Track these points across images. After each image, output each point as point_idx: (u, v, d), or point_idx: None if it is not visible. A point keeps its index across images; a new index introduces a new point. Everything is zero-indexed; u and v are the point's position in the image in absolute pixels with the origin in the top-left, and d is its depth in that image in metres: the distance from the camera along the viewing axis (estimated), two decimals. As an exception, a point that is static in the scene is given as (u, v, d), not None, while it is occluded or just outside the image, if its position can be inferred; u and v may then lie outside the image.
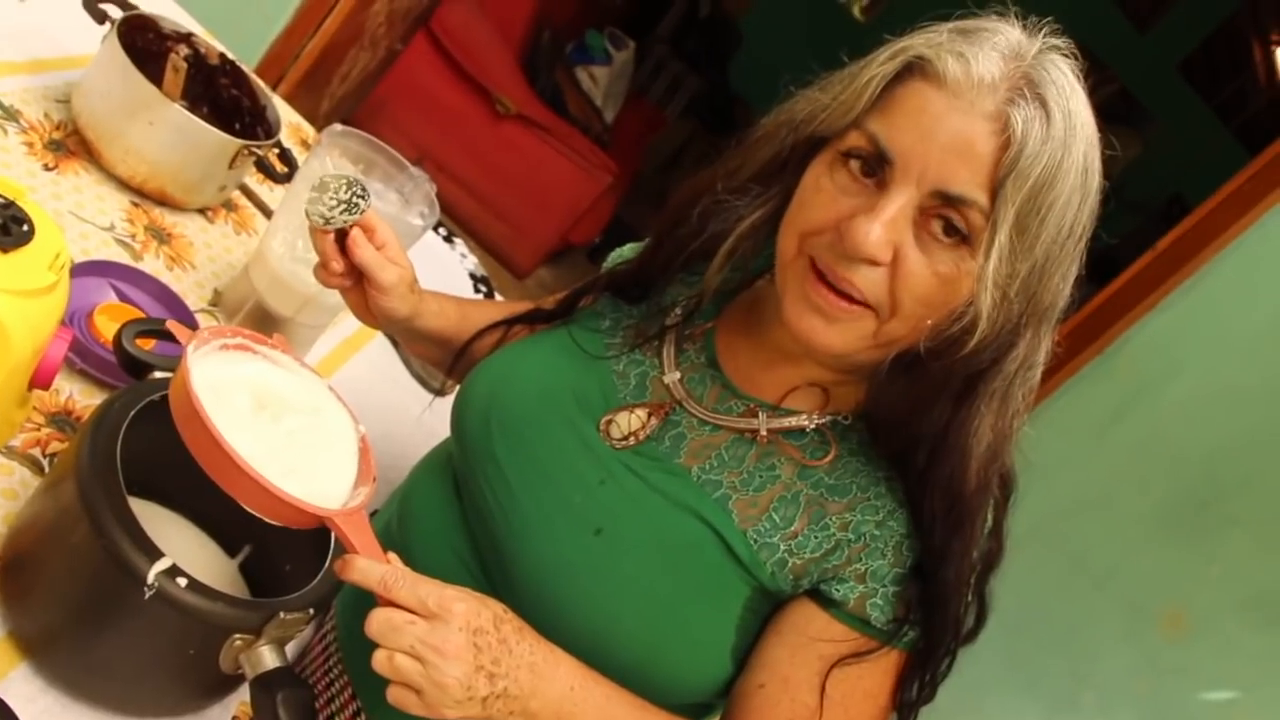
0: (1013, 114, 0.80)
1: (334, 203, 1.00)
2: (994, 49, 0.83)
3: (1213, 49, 5.35)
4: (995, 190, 0.81)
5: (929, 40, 0.85)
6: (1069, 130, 0.82)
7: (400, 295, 1.06)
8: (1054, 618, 2.35)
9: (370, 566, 0.79)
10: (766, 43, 6.14)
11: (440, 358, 1.19)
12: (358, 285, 1.06)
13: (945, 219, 0.83)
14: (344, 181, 1.01)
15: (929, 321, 0.86)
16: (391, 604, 0.78)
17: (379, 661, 0.77)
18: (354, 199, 1.00)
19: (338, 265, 1.03)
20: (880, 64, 0.86)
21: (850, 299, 0.86)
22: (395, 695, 0.78)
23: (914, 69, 0.84)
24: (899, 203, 0.83)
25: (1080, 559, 2.34)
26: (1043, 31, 0.86)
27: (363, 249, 1.02)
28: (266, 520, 0.80)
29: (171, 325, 0.90)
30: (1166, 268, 2.23)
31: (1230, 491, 2.20)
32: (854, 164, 0.86)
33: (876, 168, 0.85)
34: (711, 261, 0.99)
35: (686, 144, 6.11)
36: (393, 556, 0.82)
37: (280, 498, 0.77)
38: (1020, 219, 0.81)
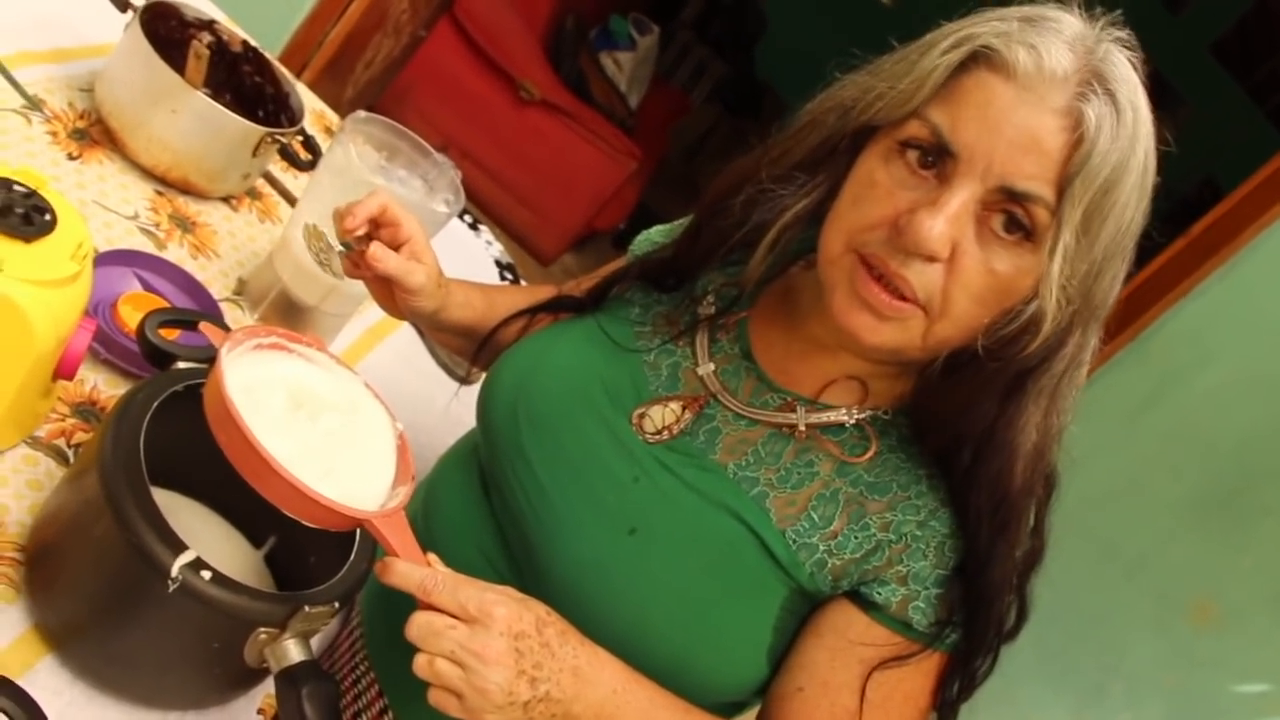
0: (1086, 110, 0.78)
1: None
2: (1061, 40, 0.81)
3: (1246, 30, 5.27)
4: (1063, 188, 0.78)
5: (996, 29, 0.82)
6: (1136, 127, 0.80)
7: (427, 294, 1.04)
8: (1083, 607, 2.33)
9: (410, 570, 0.78)
10: (791, 27, 6.10)
11: (466, 347, 1.17)
12: (382, 277, 1.05)
13: (1008, 214, 0.81)
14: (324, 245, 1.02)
15: (984, 321, 0.84)
16: (432, 607, 0.77)
17: (419, 665, 0.76)
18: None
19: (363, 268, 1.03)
20: (943, 52, 0.82)
21: (903, 297, 0.83)
22: (436, 699, 0.78)
23: (979, 58, 0.81)
24: (962, 197, 0.80)
25: (1110, 548, 2.31)
26: (1100, 23, 0.84)
27: (384, 260, 1.00)
28: (304, 523, 0.79)
29: (204, 327, 0.90)
30: (1200, 253, 2.20)
31: (1263, 480, 2.18)
32: (911, 154, 0.83)
33: (937, 159, 0.82)
34: (751, 251, 0.96)
35: (711, 129, 6.08)
36: (433, 558, 0.81)
37: (318, 502, 0.76)
38: (1086, 218, 0.79)
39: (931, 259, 0.81)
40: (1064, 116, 0.78)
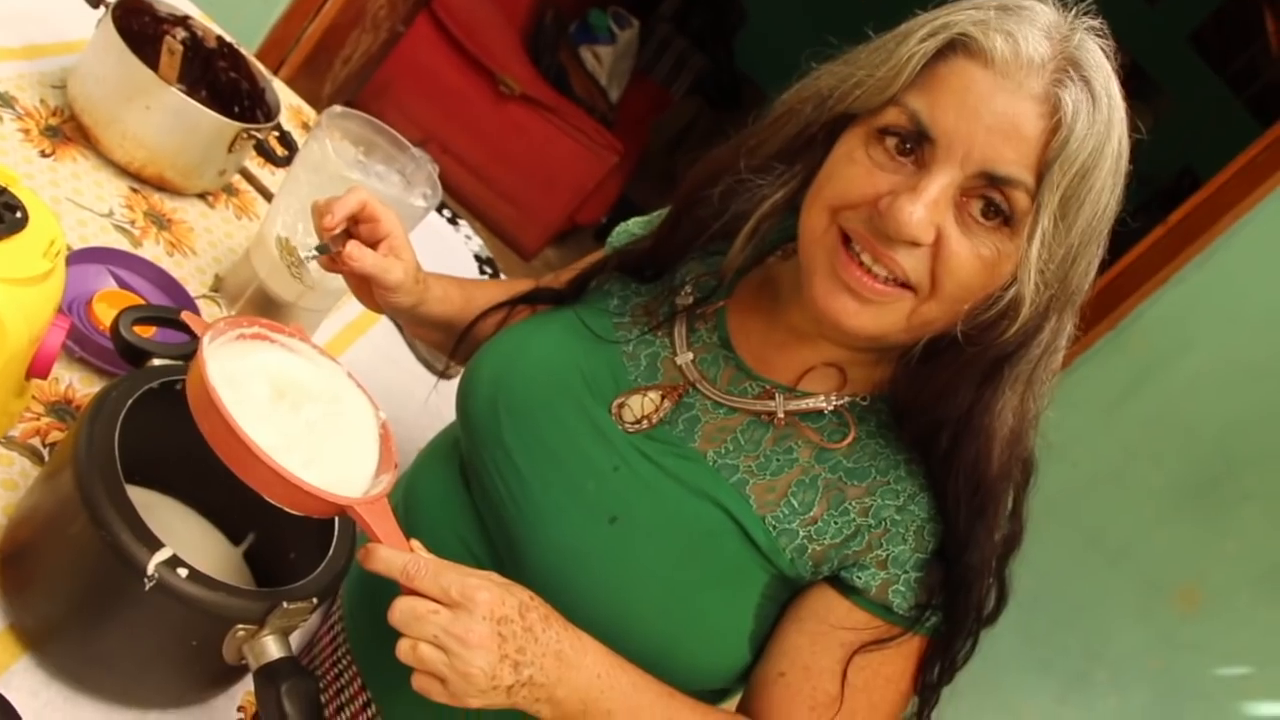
0: (1063, 96, 0.78)
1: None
2: (1037, 28, 0.81)
3: (1224, 19, 5.29)
4: (1041, 173, 0.79)
5: (972, 18, 0.82)
6: (1111, 113, 0.81)
7: (405, 290, 1.05)
8: (1067, 594, 2.34)
9: (392, 556, 0.78)
10: (770, 19, 6.10)
11: (444, 341, 1.17)
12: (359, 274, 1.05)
13: (986, 199, 0.81)
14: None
15: (965, 306, 0.84)
16: (414, 592, 0.77)
17: (403, 651, 0.76)
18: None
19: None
20: (920, 40, 0.83)
21: (887, 280, 0.84)
22: (420, 684, 0.78)
23: (957, 46, 0.82)
24: (941, 183, 0.81)
25: (1093, 535, 2.32)
26: (1073, 12, 0.84)
27: (360, 259, 1.00)
28: (287, 510, 0.78)
29: (187, 316, 0.89)
30: (1179, 242, 2.21)
31: (1244, 466, 2.19)
32: (890, 141, 0.84)
33: (915, 146, 0.83)
34: (729, 241, 0.96)
35: (692, 122, 6.07)
36: (416, 544, 0.81)
37: (301, 488, 0.76)
38: (1063, 203, 0.80)
39: (914, 244, 0.81)
40: (1041, 103, 0.79)
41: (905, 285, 0.84)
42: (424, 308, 1.09)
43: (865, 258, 0.84)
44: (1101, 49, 0.83)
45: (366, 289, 1.06)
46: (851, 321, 0.85)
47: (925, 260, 0.83)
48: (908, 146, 0.83)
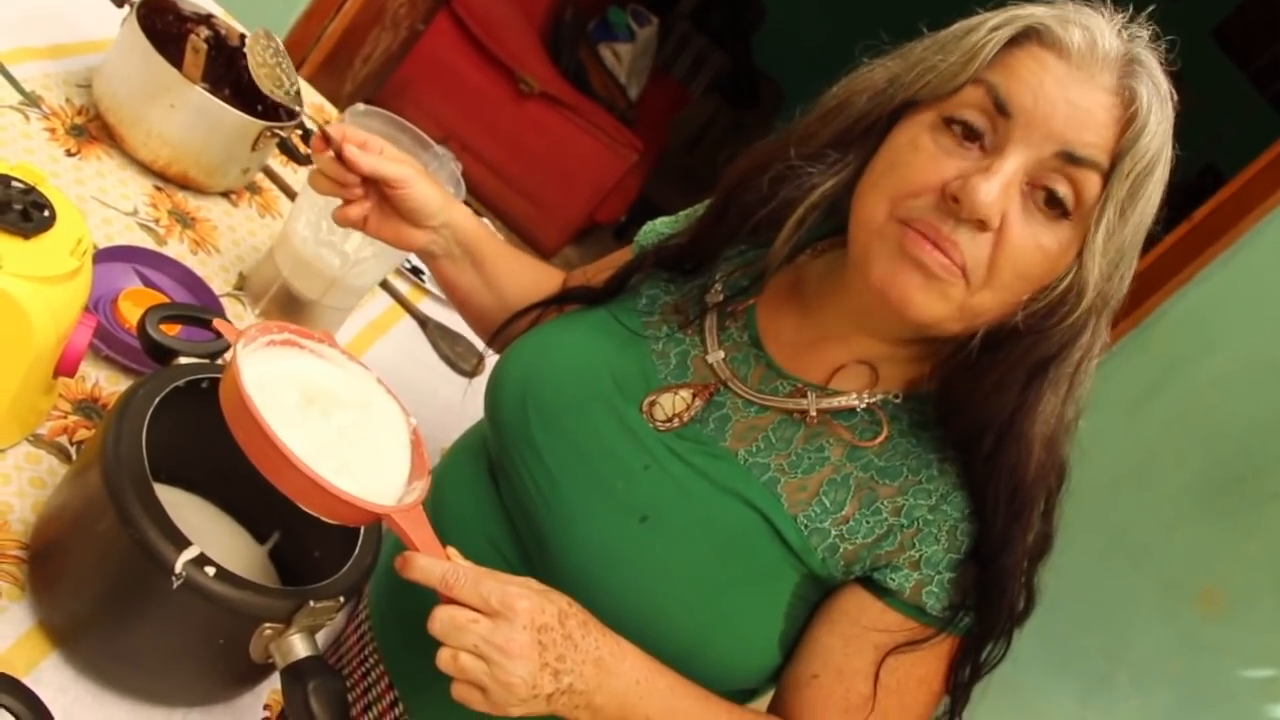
0: (1139, 89, 0.80)
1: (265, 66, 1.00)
2: (1110, 26, 0.83)
3: (1248, 15, 5.25)
4: (1113, 163, 0.80)
5: (1048, 10, 0.84)
6: (1169, 122, 0.83)
7: (422, 183, 1.06)
8: (1089, 595, 2.32)
9: (431, 564, 0.78)
10: (789, 16, 6.08)
11: (478, 285, 1.18)
12: (376, 203, 1.06)
13: (1049, 190, 0.82)
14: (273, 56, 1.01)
15: (1023, 297, 0.84)
16: (453, 601, 0.77)
17: (443, 660, 0.76)
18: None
19: (335, 171, 1.04)
20: (993, 28, 0.84)
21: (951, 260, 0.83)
22: (460, 693, 0.78)
23: (1032, 35, 0.83)
24: (1017, 162, 0.81)
25: (1116, 536, 2.31)
26: (1126, 15, 0.85)
27: (364, 157, 1.01)
28: (323, 519, 0.78)
29: (219, 324, 0.89)
30: (1203, 239, 2.19)
31: (1269, 466, 2.17)
32: (957, 129, 0.84)
33: (987, 130, 0.83)
34: (765, 235, 0.95)
35: (711, 120, 6.05)
36: (452, 551, 0.81)
37: (339, 497, 0.76)
38: (1130, 195, 0.81)
39: (983, 226, 0.81)
40: (1115, 95, 0.81)
41: (963, 270, 0.83)
42: (455, 216, 1.11)
43: (931, 239, 0.83)
44: (1160, 63, 0.84)
45: (393, 222, 1.08)
46: (914, 299, 0.84)
47: (986, 247, 0.82)
48: (974, 134, 0.83)
